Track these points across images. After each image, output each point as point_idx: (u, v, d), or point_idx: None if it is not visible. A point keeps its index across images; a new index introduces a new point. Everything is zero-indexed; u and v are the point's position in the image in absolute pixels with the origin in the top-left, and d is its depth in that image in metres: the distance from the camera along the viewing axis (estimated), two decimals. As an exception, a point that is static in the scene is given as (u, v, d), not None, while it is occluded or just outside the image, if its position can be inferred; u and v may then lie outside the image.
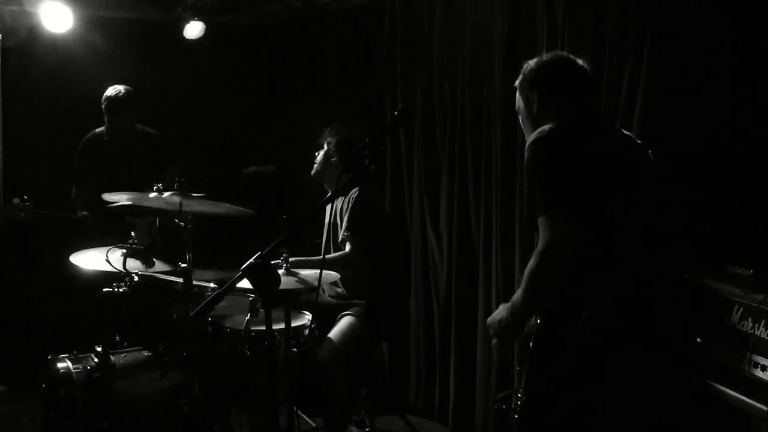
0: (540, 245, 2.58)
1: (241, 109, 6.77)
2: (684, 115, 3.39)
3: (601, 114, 3.35)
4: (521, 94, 2.95)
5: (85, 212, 5.13)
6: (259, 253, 2.31)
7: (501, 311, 2.82)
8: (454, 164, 4.74)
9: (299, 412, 4.42)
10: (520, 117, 2.99)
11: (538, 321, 2.71)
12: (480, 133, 4.52)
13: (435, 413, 5.01)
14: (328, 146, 4.49)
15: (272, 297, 2.33)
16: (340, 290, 4.39)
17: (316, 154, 4.56)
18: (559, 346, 2.66)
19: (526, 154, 2.70)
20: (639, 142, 2.89)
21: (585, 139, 2.72)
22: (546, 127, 2.69)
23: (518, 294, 2.69)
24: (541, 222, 2.59)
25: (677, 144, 3.36)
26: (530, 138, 2.71)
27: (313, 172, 4.56)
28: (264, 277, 2.29)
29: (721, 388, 2.84)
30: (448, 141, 4.79)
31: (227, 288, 2.37)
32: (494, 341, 2.87)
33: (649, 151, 2.87)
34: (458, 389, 4.75)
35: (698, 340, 3.03)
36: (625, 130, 2.98)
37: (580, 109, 2.81)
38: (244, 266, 2.29)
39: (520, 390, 2.78)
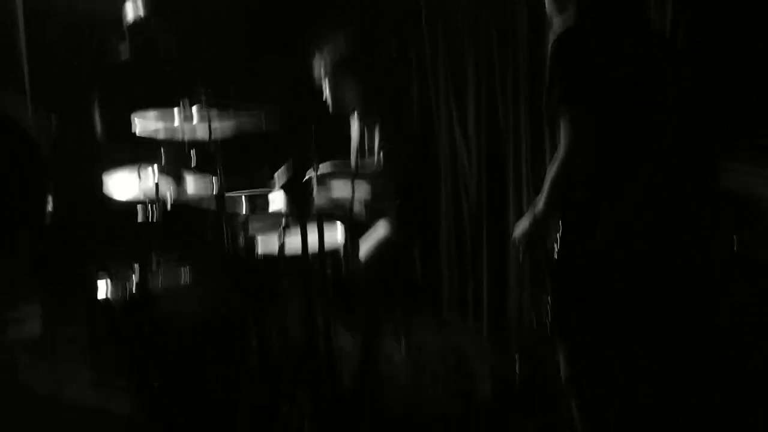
0: (562, 148, 2.59)
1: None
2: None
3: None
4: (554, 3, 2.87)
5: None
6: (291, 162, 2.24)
7: (524, 220, 2.89)
8: (481, 65, 4.63)
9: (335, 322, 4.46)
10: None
11: (560, 232, 2.74)
12: (506, 31, 4.41)
13: (469, 317, 5.05)
14: (333, 69, 4.21)
15: (307, 209, 2.27)
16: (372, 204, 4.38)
17: (324, 92, 4.29)
18: (583, 257, 2.71)
19: (549, 51, 2.67)
20: (668, 39, 2.90)
21: (613, 39, 2.68)
22: (571, 22, 2.66)
23: (540, 203, 2.74)
24: (563, 118, 2.58)
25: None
26: (555, 35, 2.67)
27: (331, 109, 4.28)
28: (298, 189, 2.24)
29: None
30: (474, 42, 4.66)
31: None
32: (521, 247, 2.93)
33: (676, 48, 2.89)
34: (491, 292, 4.79)
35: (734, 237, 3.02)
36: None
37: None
38: (283, 183, 2.24)
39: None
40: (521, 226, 2.90)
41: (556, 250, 2.76)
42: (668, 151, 2.85)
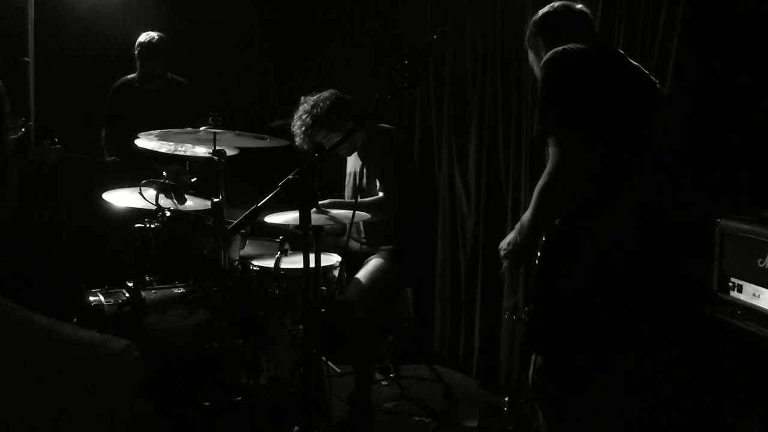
0: (550, 165, 2.68)
1: (270, 56, 6.65)
2: (717, 63, 3.34)
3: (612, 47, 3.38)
4: (530, 47, 3.10)
5: (113, 157, 5.18)
6: (298, 169, 2.31)
7: (511, 234, 2.93)
8: (484, 114, 4.70)
9: (324, 359, 4.42)
10: (534, 70, 3.07)
11: (545, 236, 2.79)
12: (511, 83, 4.49)
13: (459, 362, 5.03)
14: (320, 132, 4.20)
15: (309, 210, 2.32)
16: (364, 239, 4.39)
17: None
18: (566, 260, 2.74)
19: (539, 73, 2.80)
20: (647, 73, 2.93)
21: (598, 62, 2.80)
22: (559, 48, 2.75)
23: (527, 214, 2.80)
24: (551, 140, 2.68)
25: (710, 92, 3.33)
26: (545, 57, 2.78)
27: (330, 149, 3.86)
28: (301, 191, 2.28)
29: (753, 329, 2.83)
30: (479, 91, 4.75)
31: (265, 203, 2.37)
32: (504, 263, 2.98)
33: (657, 83, 2.95)
34: (483, 339, 4.76)
35: (731, 281, 3.01)
36: (660, 78, 3.08)
37: (589, 42, 2.87)
38: (282, 181, 2.29)
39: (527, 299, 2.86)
40: (507, 239, 2.94)
41: (536, 264, 2.79)
42: (654, 171, 2.92)
